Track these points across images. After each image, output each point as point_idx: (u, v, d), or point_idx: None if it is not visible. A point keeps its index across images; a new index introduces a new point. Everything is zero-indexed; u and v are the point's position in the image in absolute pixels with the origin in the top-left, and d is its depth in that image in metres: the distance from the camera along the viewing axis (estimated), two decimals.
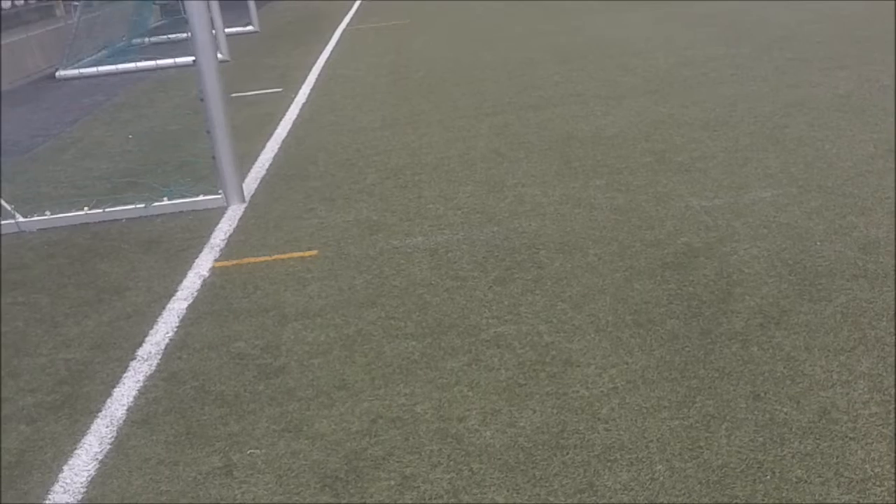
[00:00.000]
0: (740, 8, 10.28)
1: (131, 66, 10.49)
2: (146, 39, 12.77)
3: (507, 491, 2.41)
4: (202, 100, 4.89)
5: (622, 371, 2.93)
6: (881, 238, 3.70)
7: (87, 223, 4.96)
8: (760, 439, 2.50)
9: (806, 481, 2.32)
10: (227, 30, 10.97)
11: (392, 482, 2.50)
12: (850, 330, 3.04)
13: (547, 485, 2.41)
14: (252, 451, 2.70)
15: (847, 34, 8.08)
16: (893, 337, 2.96)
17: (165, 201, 5.07)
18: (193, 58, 4.83)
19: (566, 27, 10.42)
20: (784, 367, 2.86)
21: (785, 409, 2.63)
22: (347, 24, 13.15)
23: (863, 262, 3.51)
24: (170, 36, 12.43)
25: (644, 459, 2.47)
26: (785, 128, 5.35)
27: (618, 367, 2.96)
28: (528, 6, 13.55)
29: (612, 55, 8.29)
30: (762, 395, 2.72)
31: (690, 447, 2.50)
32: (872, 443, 2.44)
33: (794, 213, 4.06)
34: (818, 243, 3.72)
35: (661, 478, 2.39)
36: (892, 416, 2.54)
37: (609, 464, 2.47)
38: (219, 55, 10.35)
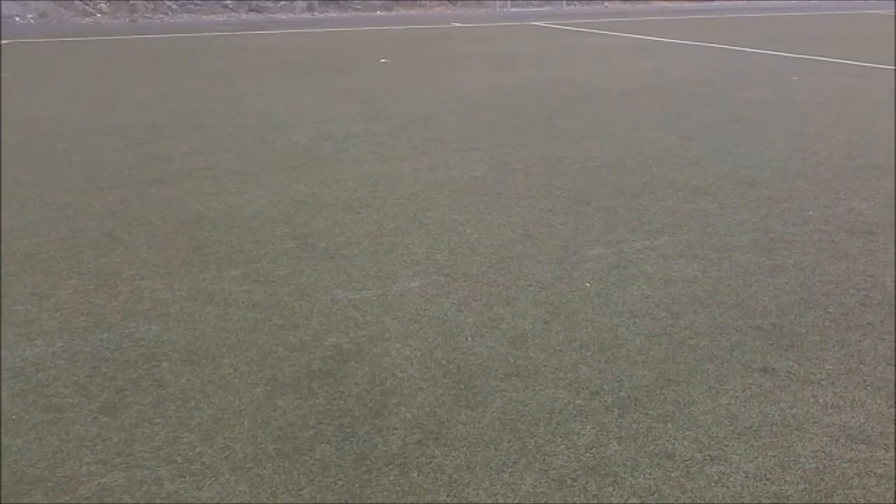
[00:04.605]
0: (380, 85, 10.50)
1: None
2: None
3: None
4: None
5: None
6: (528, 330, 3.62)
7: None
8: None
9: None
10: None
11: None
12: (510, 440, 2.81)
13: None
14: None
15: (478, 116, 8.53)
16: (552, 445, 2.79)
17: None
18: None
19: (200, 93, 9.74)
20: (447, 495, 2.51)
21: None
22: None
23: (514, 359, 3.36)
24: None
25: None
26: (428, 210, 5.26)
27: None
28: (161, 68, 12.63)
29: (248, 126, 7.80)
30: None
31: None
32: None
33: (444, 304, 3.86)
34: (469, 338, 3.53)
35: None
36: None
37: None
38: None
